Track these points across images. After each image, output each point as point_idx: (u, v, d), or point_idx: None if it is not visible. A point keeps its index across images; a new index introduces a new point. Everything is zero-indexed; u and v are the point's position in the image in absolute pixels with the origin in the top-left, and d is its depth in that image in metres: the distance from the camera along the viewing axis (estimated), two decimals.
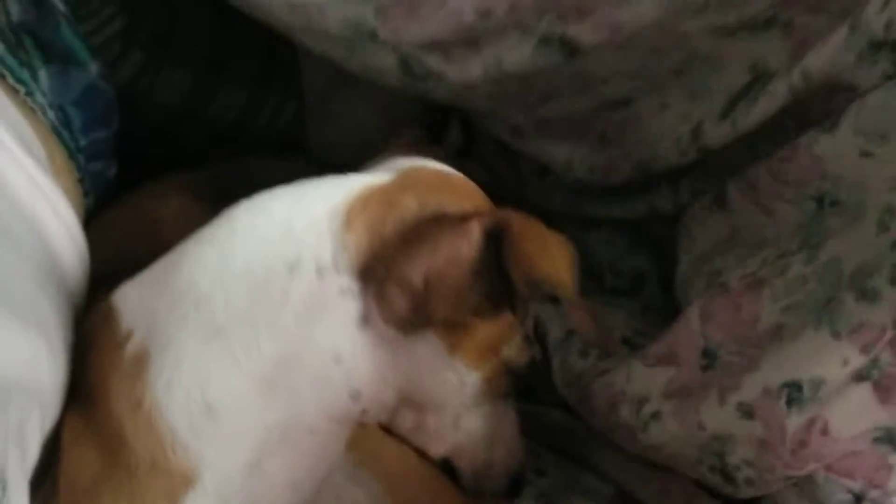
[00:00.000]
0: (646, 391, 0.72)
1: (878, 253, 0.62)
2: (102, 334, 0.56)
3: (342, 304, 0.54)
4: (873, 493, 0.65)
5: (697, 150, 0.79)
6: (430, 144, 0.74)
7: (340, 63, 0.85)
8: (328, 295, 0.54)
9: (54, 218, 0.61)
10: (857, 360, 0.61)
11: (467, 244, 0.53)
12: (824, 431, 0.63)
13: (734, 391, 0.66)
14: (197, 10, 0.92)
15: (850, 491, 0.66)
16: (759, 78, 0.74)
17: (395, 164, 0.62)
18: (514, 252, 0.52)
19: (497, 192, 1.00)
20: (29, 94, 0.69)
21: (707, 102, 0.78)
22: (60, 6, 0.75)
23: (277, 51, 0.97)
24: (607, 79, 0.81)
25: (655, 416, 0.71)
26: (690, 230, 0.82)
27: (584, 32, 0.75)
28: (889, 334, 0.61)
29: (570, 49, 0.76)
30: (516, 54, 0.78)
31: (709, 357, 0.70)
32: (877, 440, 0.63)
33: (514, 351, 0.61)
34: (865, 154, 0.65)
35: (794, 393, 0.64)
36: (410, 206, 0.55)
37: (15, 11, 0.70)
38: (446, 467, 0.66)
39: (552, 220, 0.96)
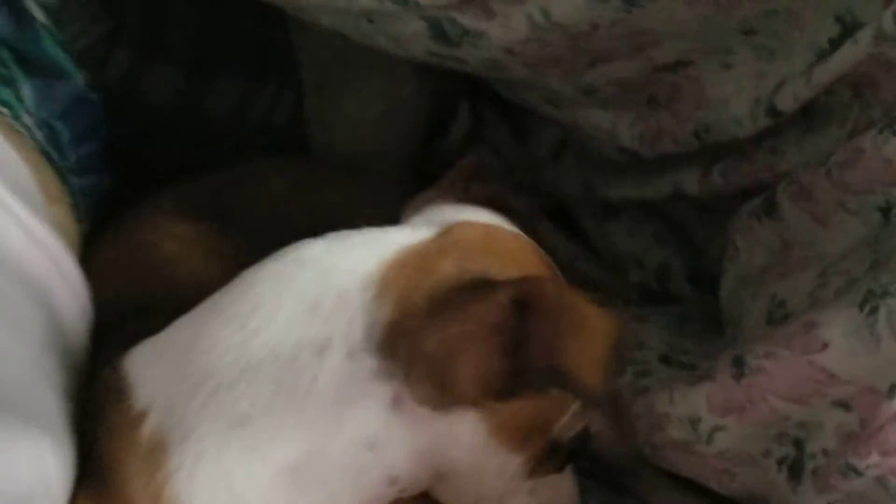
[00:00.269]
0: (693, 411, 0.67)
1: None
2: (113, 410, 0.52)
3: (374, 387, 0.49)
4: None
5: (768, 114, 0.72)
6: (490, 181, 0.66)
7: (360, 38, 0.79)
8: (359, 379, 0.49)
9: (57, 277, 0.57)
10: None
11: (492, 315, 0.47)
12: None
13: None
14: (183, 2, 0.87)
15: None
16: (849, 30, 0.66)
17: (440, 214, 0.57)
18: (537, 332, 0.46)
19: (509, 177, 0.98)
20: (15, 116, 0.65)
21: (788, 61, 0.71)
22: (40, 16, 0.70)
23: (272, 39, 0.91)
24: (664, 39, 0.74)
25: (718, 429, 0.67)
26: (736, 240, 0.76)
27: None
28: None
29: None
30: (567, 2, 0.70)
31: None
32: None
33: (567, 429, 0.56)
34: None
35: None
36: (448, 272, 0.50)
37: None
38: None
39: (568, 207, 0.95)
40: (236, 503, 0.49)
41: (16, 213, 0.55)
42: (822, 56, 0.68)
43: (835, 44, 0.67)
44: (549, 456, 0.56)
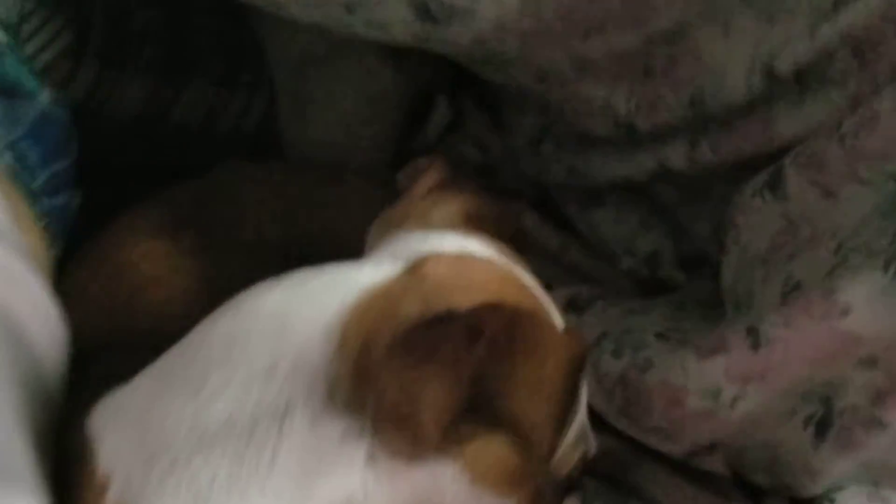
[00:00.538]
0: (712, 382, 0.67)
1: None
2: (79, 473, 0.48)
3: (344, 450, 0.45)
4: None
5: (765, 78, 0.70)
6: (454, 178, 0.63)
7: (339, 29, 0.76)
8: (327, 445, 0.45)
9: (32, 315, 0.54)
10: None
11: (446, 351, 0.44)
12: None
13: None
14: (149, 9, 0.84)
15: None
16: None
17: (405, 244, 0.53)
18: (490, 364, 0.43)
19: (489, 170, 0.96)
20: None
21: (789, 23, 0.68)
22: (0, 35, 0.67)
23: (240, 44, 0.89)
24: (661, 6, 0.72)
25: (740, 397, 0.66)
26: (737, 220, 0.74)
27: None
28: None
29: None
30: None
31: None
32: None
33: (562, 465, 0.52)
34: None
35: None
36: (411, 313, 0.45)
37: None
38: None
39: (551, 197, 0.93)
40: None
41: None
42: (826, 16, 0.66)
43: (840, 2, 0.65)
44: (547, 492, 0.51)
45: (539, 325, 0.46)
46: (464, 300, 0.45)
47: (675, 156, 0.79)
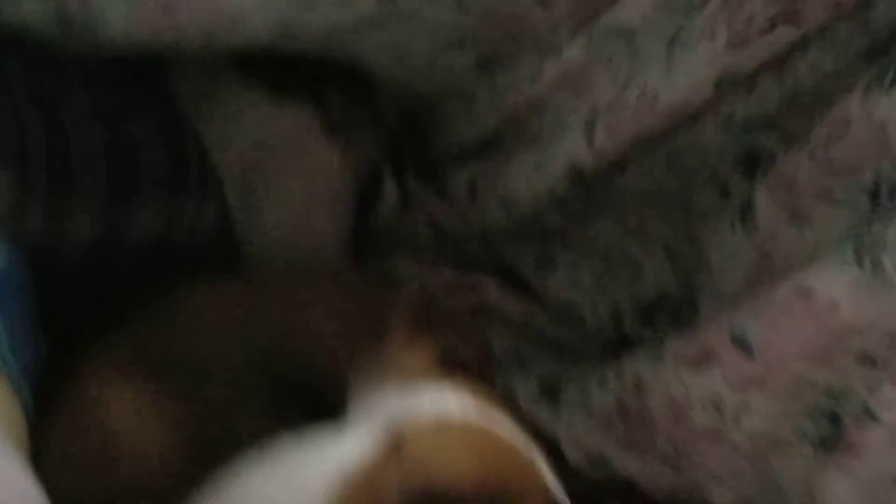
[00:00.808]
0: (713, 391, 0.67)
1: None
2: None
3: None
4: None
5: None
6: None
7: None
8: None
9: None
10: None
11: None
12: None
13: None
14: (85, 131, 0.84)
15: None
16: None
17: (384, 406, 0.54)
18: None
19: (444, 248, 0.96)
20: None
21: None
22: None
23: (184, 154, 0.89)
24: None
25: (744, 407, 0.66)
26: (710, 258, 0.74)
27: None
28: None
29: None
30: None
31: None
32: None
33: None
34: None
35: None
36: (390, 496, 0.46)
37: None
38: None
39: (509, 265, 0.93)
40: None
41: None
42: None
43: None
44: None
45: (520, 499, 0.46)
46: (446, 471, 0.46)
47: (578, 151, 0.78)
